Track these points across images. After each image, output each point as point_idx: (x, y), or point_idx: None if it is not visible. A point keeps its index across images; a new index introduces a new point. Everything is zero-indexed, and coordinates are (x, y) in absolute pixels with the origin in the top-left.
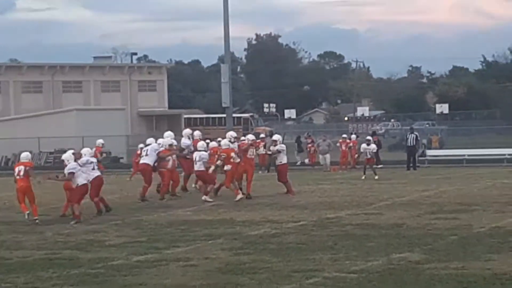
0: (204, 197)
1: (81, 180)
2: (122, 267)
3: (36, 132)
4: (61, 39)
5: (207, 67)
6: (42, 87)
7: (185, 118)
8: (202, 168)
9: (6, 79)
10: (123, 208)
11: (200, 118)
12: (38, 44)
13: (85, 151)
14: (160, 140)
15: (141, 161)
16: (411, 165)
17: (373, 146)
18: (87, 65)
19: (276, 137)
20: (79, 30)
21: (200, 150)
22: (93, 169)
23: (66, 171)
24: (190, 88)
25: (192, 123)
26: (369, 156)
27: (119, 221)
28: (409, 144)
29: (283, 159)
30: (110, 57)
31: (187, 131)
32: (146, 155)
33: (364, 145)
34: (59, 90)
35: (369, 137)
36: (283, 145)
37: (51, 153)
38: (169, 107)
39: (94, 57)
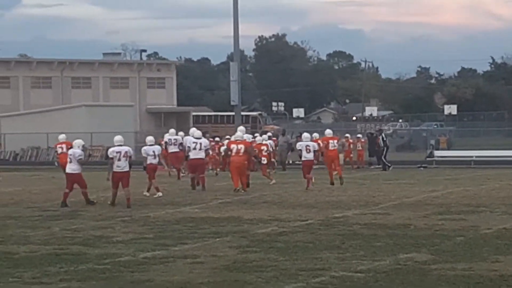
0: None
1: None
2: (129, 263)
3: (45, 128)
4: (69, 35)
5: (216, 65)
6: (51, 83)
7: (193, 116)
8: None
9: (15, 74)
10: (131, 204)
11: (208, 115)
12: (46, 40)
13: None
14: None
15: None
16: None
17: (314, 144)
18: (97, 61)
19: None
20: (86, 27)
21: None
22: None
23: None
24: (198, 85)
25: (200, 121)
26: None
27: (127, 218)
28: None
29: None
30: (119, 53)
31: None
32: (200, 149)
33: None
34: (68, 86)
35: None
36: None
37: None
38: (178, 105)
39: (104, 54)
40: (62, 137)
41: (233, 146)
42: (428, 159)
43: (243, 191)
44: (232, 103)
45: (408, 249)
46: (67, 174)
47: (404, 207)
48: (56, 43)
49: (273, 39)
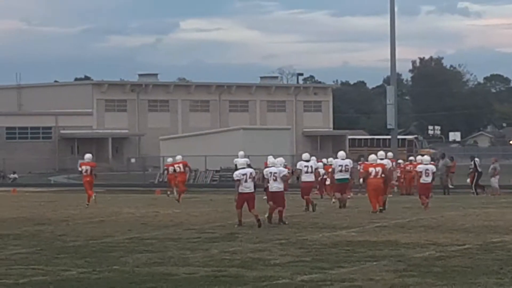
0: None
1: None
2: (287, 286)
3: (203, 150)
4: (226, 59)
5: (371, 89)
6: (209, 106)
7: (349, 139)
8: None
9: (175, 97)
10: (288, 227)
11: (364, 139)
12: (204, 64)
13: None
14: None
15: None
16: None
17: (432, 167)
18: (254, 85)
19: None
20: (244, 50)
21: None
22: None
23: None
24: (354, 109)
25: (356, 144)
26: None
27: (284, 240)
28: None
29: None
30: (276, 77)
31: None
32: (311, 172)
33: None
34: (225, 109)
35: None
36: None
37: (217, 171)
38: (334, 128)
39: (261, 77)
40: (179, 157)
41: (371, 169)
42: None
43: (379, 211)
44: (388, 126)
45: None
46: (271, 192)
47: None
48: (213, 67)
49: (430, 62)
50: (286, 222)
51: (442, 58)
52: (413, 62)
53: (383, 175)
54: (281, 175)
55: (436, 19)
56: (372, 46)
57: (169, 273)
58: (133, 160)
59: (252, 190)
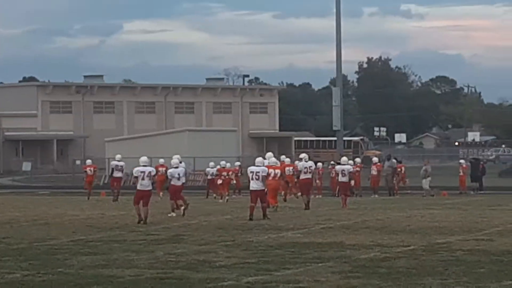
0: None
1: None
2: None
3: (149, 152)
4: (172, 61)
5: (317, 90)
6: (155, 108)
7: (295, 141)
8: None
9: (120, 99)
10: (233, 229)
11: (310, 140)
12: (149, 66)
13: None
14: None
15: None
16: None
17: (348, 167)
18: (200, 86)
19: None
20: (190, 52)
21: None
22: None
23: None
24: (300, 110)
25: (302, 146)
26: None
27: (229, 242)
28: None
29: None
30: (222, 79)
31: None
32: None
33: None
34: (171, 111)
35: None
36: None
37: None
38: (280, 130)
39: (207, 79)
40: (89, 161)
41: (270, 170)
42: None
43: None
44: (334, 128)
45: None
46: (252, 191)
47: (508, 234)
48: (159, 68)
49: (375, 64)
50: (269, 217)
51: (390, 59)
52: (360, 63)
53: (280, 177)
54: (263, 174)
55: (379, 21)
56: (317, 48)
57: (114, 275)
58: (78, 162)
59: (150, 188)
